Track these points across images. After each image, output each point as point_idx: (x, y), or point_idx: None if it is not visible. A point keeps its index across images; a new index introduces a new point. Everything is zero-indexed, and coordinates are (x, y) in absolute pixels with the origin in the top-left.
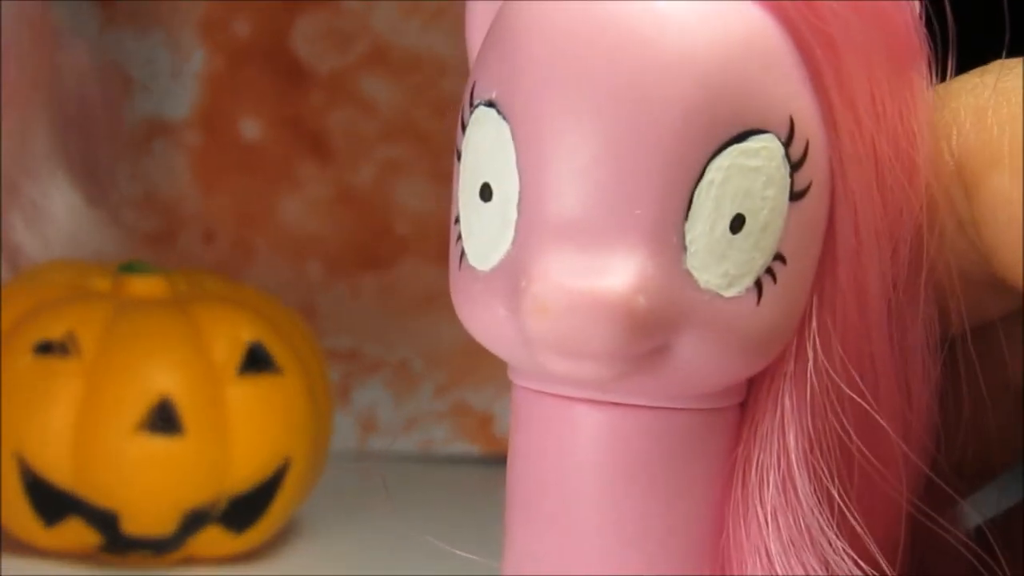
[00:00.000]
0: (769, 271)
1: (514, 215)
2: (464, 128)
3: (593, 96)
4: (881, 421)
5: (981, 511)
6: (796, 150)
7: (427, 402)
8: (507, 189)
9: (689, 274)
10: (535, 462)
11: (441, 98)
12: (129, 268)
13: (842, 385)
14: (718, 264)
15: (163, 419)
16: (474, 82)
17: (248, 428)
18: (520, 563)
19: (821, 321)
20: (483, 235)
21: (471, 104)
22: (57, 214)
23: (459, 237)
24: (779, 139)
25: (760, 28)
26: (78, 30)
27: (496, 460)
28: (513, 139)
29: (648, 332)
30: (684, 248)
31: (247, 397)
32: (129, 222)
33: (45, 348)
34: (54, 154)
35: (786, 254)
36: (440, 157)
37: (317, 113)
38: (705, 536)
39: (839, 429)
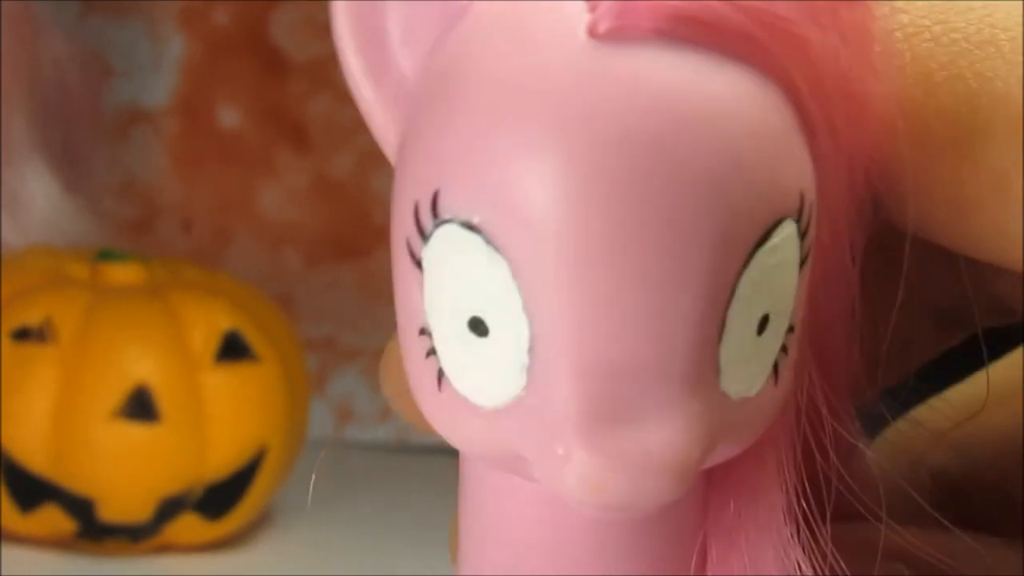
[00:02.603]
0: (783, 348)
1: (526, 360)
2: (424, 235)
3: (612, 237)
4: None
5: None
6: (804, 221)
7: None
8: (514, 331)
9: (724, 394)
10: (511, 532)
11: None
12: (107, 255)
13: (808, 382)
14: (746, 370)
15: (140, 406)
16: (435, 190)
17: (224, 416)
18: None
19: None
20: (480, 371)
21: (435, 215)
22: (35, 201)
23: (430, 352)
24: (794, 220)
25: (770, 103)
26: (57, 18)
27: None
28: (515, 280)
29: (697, 470)
30: (718, 371)
31: (224, 385)
32: (107, 209)
33: (22, 334)
34: (32, 141)
35: (795, 323)
36: None
37: (296, 102)
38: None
39: (810, 432)
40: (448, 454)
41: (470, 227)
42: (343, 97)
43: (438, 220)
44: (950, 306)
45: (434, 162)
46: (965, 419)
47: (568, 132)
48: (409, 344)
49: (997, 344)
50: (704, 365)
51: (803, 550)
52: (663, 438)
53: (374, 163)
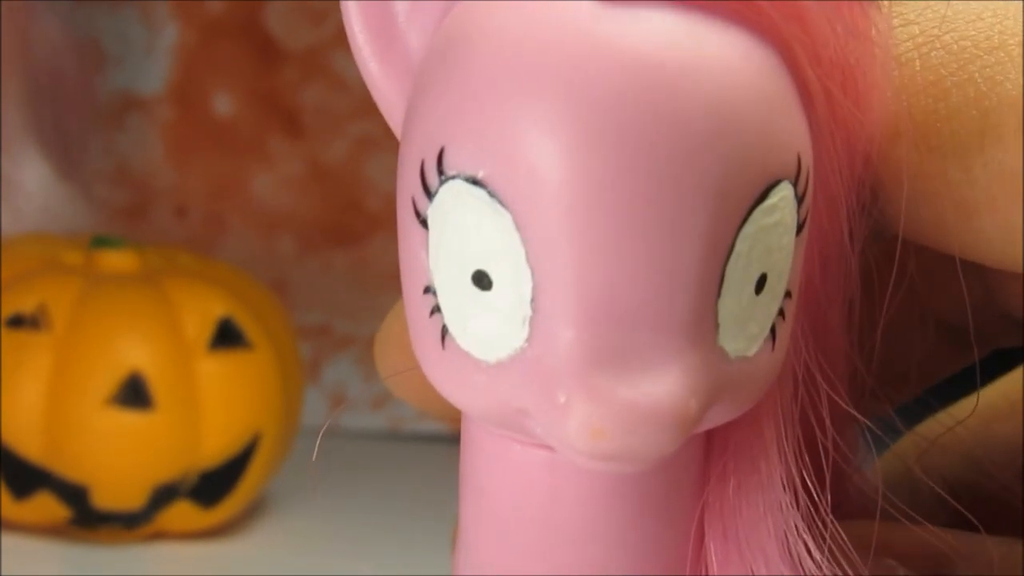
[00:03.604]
0: (780, 311)
1: (528, 312)
2: (429, 194)
3: (613, 187)
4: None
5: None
6: (801, 185)
7: None
8: (516, 283)
9: (722, 350)
10: (509, 502)
11: None
12: (101, 242)
13: (805, 354)
14: (744, 329)
15: (134, 393)
16: (440, 147)
17: (218, 403)
18: None
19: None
20: (482, 326)
21: (440, 172)
22: (29, 188)
23: (434, 310)
24: (791, 182)
25: (767, 65)
26: (52, 5)
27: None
28: (518, 231)
29: (695, 425)
30: (717, 326)
31: (218, 372)
32: (101, 196)
33: (16, 321)
34: (26, 128)
35: (792, 288)
36: None
37: (290, 89)
38: (683, 562)
39: (811, 412)
40: (441, 442)
41: (474, 182)
42: (337, 84)
43: (443, 177)
44: (962, 324)
45: (440, 120)
46: (977, 429)
47: (571, 88)
48: (413, 304)
49: (1011, 362)
50: (703, 318)
51: (802, 520)
52: (661, 387)
53: (368, 150)
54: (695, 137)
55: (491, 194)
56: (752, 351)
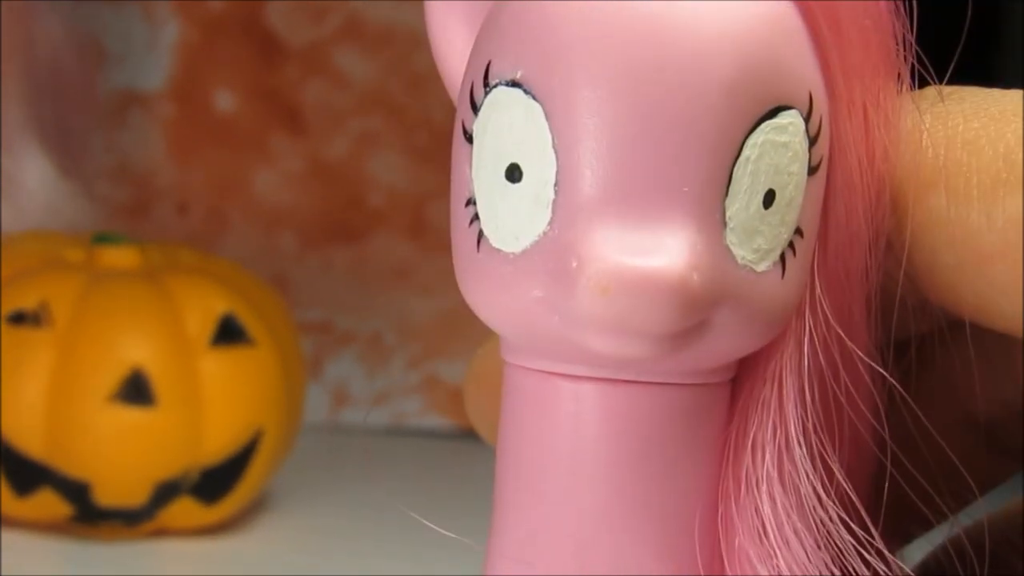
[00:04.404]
0: (791, 245)
1: (551, 195)
2: (476, 109)
3: (635, 76)
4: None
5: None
6: (813, 126)
7: (399, 375)
8: (542, 169)
9: (729, 250)
10: (539, 442)
11: (415, 72)
12: (103, 239)
13: (832, 348)
14: (752, 239)
15: (135, 390)
16: (488, 62)
17: (220, 400)
18: (518, 542)
19: (814, 289)
20: (511, 217)
21: (485, 85)
22: (30, 185)
23: (472, 219)
24: (801, 115)
25: (782, 7)
26: (53, 2)
27: (468, 434)
28: (547, 119)
29: (699, 308)
30: (724, 224)
31: (220, 369)
32: (103, 193)
33: (18, 318)
34: (28, 125)
35: (803, 227)
36: (413, 131)
37: (291, 86)
38: (706, 511)
39: (832, 394)
40: (443, 437)
41: (513, 83)
42: (338, 81)
43: (488, 88)
44: (1004, 428)
45: (490, 43)
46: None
47: (590, 12)
48: (457, 221)
49: None
50: (710, 209)
51: (819, 479)
52: (666, 256)
53: (369, 147)
54: (706, 40)
55: (526, 91)
56: (760, 267)
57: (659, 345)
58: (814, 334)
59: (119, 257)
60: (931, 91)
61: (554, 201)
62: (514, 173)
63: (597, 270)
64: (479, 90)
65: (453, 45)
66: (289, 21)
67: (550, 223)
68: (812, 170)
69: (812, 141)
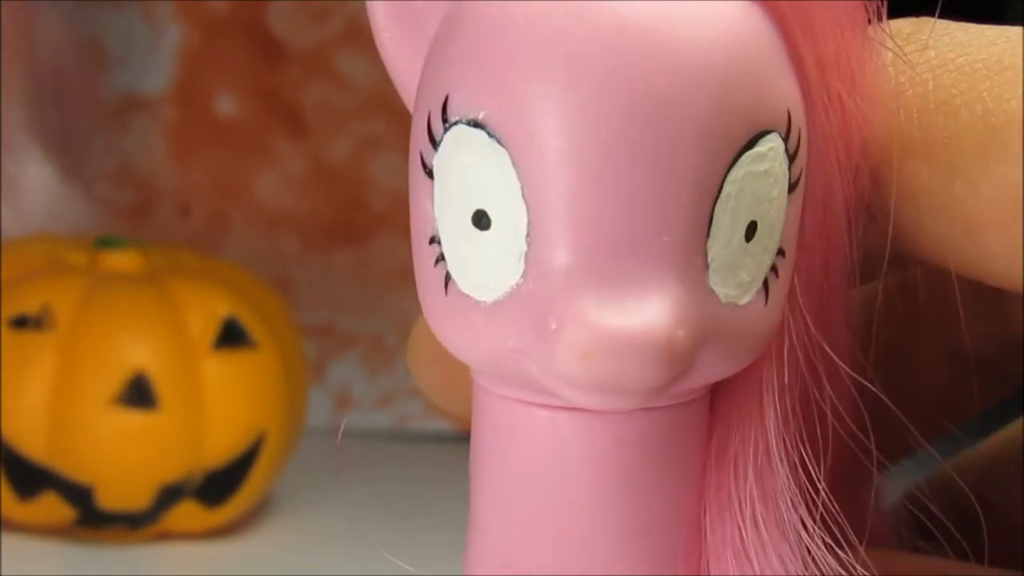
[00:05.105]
0: (773, 268)
1: (524, 247)
2: (435, 143)
3: (607, 124)
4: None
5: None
6: (792, 143)
7: (402, 377)
8: (512, 220)
9: (712, 292)
10: (515, 468)
11: None
12: (105, 242)
13: (813, 356)
14: (735, 275)
15: (138, 393)
16: (445, 95)
17: (223, 403)
18: (495, 566)
19: (793, 294)
20: (481, 265)
21: (444, 119)
22: (32, 188)
23: (438, 259)
24: (781, 136)
25: (756, 22)
26: (54, 4)
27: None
28: (515, 167)
29: (685, 361)
30: (707, 267)
31: (222, 372)
32: (104, 196)
33: (20, 322)
34: (29, 128)
35: (785, 247)
36: None
37: (293, 88)
38: (688, 527)
39: (814, 402)
40: (446, 440)
41: (475, 124)
42: (340, 83)
43: (447, 124)
44: (984, 357)
45: (446, 72)
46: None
47: (564, 31)
48: (421, 258)
49: None
50: (692, 256)
51: (799, 492)
52: (649, 315)
53: (371, 149)
54: (684, 77)
55: (490, 134)
56: (744, 300)
57: (644, 398)
58: (795, 344)
59: (121, 260)
60: (902, 31)
61: (527, 254)
62: (481, 220)
63: (579, 337)
64: (437, 124)
65: (403, 52)
66: (291, 23)
67: (523, 276)
68: (792, 187)
69: (792, 158)
